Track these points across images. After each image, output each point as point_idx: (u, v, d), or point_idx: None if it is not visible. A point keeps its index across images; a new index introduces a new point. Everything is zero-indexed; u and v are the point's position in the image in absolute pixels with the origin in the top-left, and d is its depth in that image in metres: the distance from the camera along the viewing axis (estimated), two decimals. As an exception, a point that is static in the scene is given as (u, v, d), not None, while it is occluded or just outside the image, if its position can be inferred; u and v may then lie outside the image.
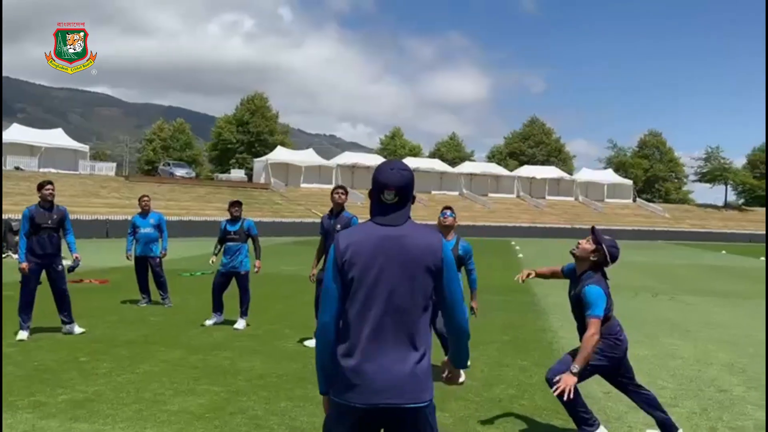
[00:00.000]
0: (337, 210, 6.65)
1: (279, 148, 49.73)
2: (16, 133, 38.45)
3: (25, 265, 6.84)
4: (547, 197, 54.09)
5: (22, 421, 4.26)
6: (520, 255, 23.74)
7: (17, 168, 34.47)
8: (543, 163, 62.39)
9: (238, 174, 47.14)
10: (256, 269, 7.98)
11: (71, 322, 7.14)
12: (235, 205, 8.02)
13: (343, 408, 2.18)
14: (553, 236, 41.72)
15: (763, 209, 52.50)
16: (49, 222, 6.95)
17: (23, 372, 5.45)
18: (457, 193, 51.54)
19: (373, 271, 2.20)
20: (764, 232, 42.27)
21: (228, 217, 8.03)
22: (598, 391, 5.05)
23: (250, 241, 7.99)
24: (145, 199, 9.56)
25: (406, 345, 2.19)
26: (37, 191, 7.05)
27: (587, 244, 4.02)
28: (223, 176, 47.66)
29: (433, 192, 50.41)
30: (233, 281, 7.89)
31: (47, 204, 6.99)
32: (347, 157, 50.96)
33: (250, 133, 56.66)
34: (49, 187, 6.98)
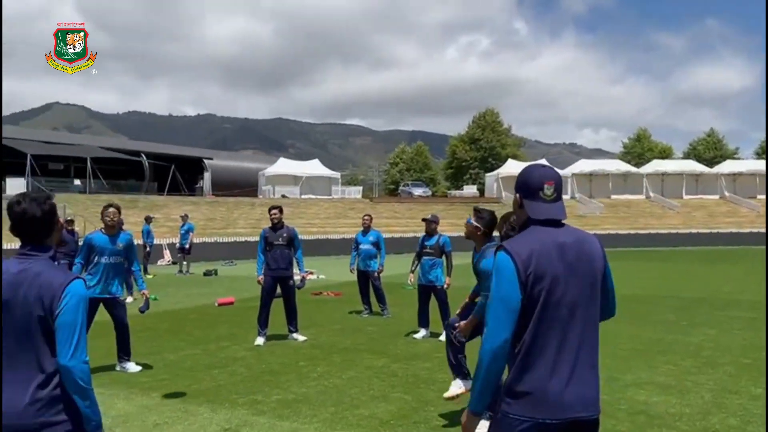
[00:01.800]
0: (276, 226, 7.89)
1: (510, 161, 49.37)
2: (281, 165, 44.51)
3: (261, 278, 7.87)
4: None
5: (237, 416, 4.88)
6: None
7: (283, 196, 39.76)
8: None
9: (470, 190, 47.96)
10: (446, 285, 8.09)
11: (296, 331, 7.98)
12: (430, 222, 8.28)
13: (528, 424, 2.09)
14: None
15: None
16: (280, 240, 7.91)
17: (251, 374, 6.24)
18: (717, 196, 45.39)
19: (560, 283, 2.14)
20: None
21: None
22: None
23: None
24: (366, 218, 10.29)
25: (594, 356, 2.20)
26: (268, 214, 8.10)
27: None
28: (456, 193, 48.91)
29: (686, 197, 45.20)
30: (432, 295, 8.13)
31: (277, 225, 7.97)
32: (584, 165, 48.36)
33: (483, 148, 57.39)
34: (274, 211, 7.96)
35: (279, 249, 7.89)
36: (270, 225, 8.00)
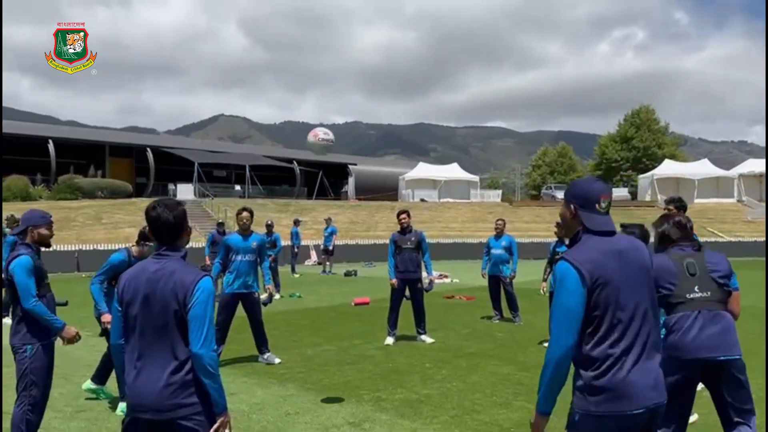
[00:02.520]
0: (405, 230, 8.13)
1: (667, 161, 45.83)
2: (421, 170, 45.19)
3: (394, 281, 8.13)
4: None
5: (361, 411, 5.13)
6: None
7: (422, 200, 40.35)
8: None
9: (620, 192, 45.20)
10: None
11: (424, 333, 8.14)
12: (562, 227, 7.98)
13: (614, 416, 2.26)
14: None
15: None
16: (408, 243, 8.14)
17: (378, 371, 6.49)
18: None
19: (623, 287, 2.32)
20: None
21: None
22: None
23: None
24: (499, 222, 10.19)
25: (657, 348, 2.41)
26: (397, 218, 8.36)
27: None
28: (605, 196, 46.34)
29: None
30: None
31: (405, 229, 8.19)
32: (753, 165, 43.56)
33: (636, 148, 53.82)
34: (403, 216, 8.20)
35: (408, 252, 8.11)
36: (399, 229, 8.24)
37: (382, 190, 44.41)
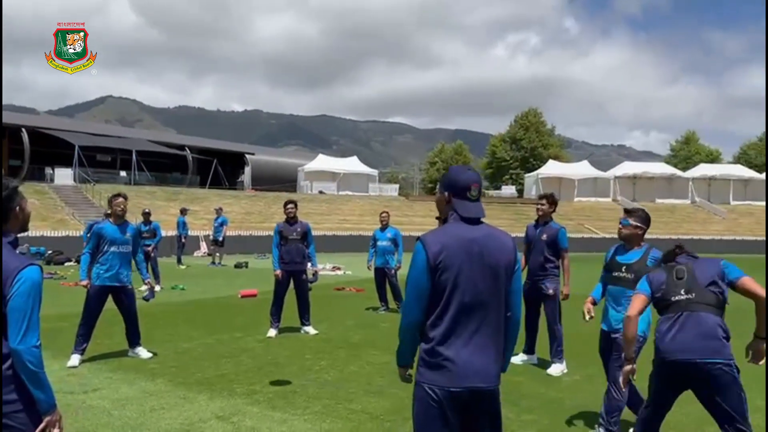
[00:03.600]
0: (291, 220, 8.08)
1: (551, 161, 48.65)
2: (320, 162, 44.98)
3: (278, 272, 8.00)
4: None
5: (232, 405, 5.00)
6: None
7: (320, 192, 40.18)
8: None
9: (508, 190, 47.45)
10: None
11: (308, 324, 8.10)
12: None
13: (436, 391, 2.45)
14: None
15: None
16: (294, 234, 8.04)
17: (255, 364, 6.37)
18: (764, 202, 43.68)
19: (465, 272, 2.48)
20: None
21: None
22: None
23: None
24: (383, 215, 10.34)
25: (496, 336, 2.58)
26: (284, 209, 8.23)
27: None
28: (494, 193, 48.47)
29: (733, 203, 43.74)
30: None
31: (292, 220, 8.10)
32: (628, 167, 47.25)
33: (524, 149, 56.66)
34: (290, 206, 8.10)
35: (293, 243, 8.03)
36: (284, 220, 8.13)
37: (281, 181, 43.78)
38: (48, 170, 34.06)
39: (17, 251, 2.39)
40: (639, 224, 4.34)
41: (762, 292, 3.20)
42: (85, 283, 6.41)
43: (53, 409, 2.32)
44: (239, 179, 45.20)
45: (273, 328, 7.92)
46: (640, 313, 3.48)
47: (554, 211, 6.51)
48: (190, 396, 5.19)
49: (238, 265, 18.09)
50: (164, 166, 42.70)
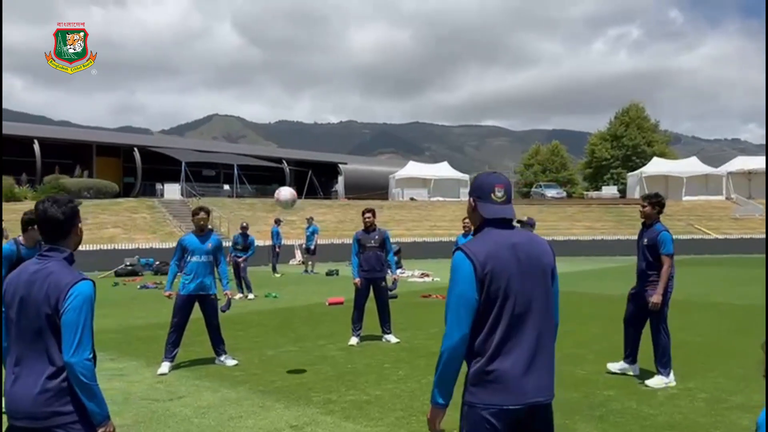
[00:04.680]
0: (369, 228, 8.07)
1: (655, 159, 45.84)
2: (411, 168, 45.10)
3: (357, 280, 8.03)
4: None
5: (307, 414, 5.03)
6: None
7: (411, 198, 40.25)
8: None
9: (609, 190, 45.22)
10: None
11: (389, 332, 8.06)
12: (525, 224, 7.93)
13: (493, 410, 2.32)
14: None
15: None
16: (372, 242, 8.05)
17: (335, 372, 6.40)
18: None
19: (515, 280, 2.37)
20: None
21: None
22: None
23: None
24: (466, 220, 10.10)
25: (551, 346, 2.45)
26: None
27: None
28: (594, 194, 46.37)
29: None
30: None
31: (370, 228, 8.11)
32: (742, 162, 43.64)
33: (625, 146, 53.86)
34: (368, 215, 8.13)
35: (372, 251, 8.03)
36: (363, 228, 8.16)
37: (373, 189, 44.32)
38: (158, 186, 36.45)
39: (73, 266, 2.50)
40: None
41: None
42: (168, 293, 6.76)
43: (107, 420, 2.39)
44: (333, 189, 46.23)
45: (355, 336, 7.95)
46: None
47: (660, 212, 6.07)
48: (267, 404, 5.28)
49: (329, 273, 18.44)
50: (264, 178, 44.48)
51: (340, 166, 47.02)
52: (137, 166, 37.96)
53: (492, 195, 2.43)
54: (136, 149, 38.37)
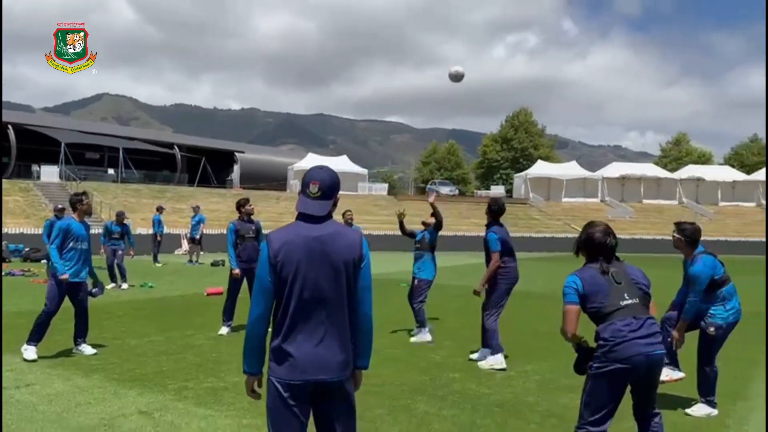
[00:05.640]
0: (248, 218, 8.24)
1: (540, 161, 48.77)
2: (309, 161, 45.00)
3: (237, 270, 8.07)
4: None
5: (159, 400, 5.06)
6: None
7: (308, 191, 40.25)
8: None
9: (497, 190, 47.59)
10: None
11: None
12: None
13: (282, 384, 2.55)
14: None
15: None
16: (250, 233, 8.14)
17: (197, 362, 6.44)
18: (753, 204, 43.92)
19: (304, 269, 2.56)
20: None
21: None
22: None
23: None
24: (348, 213, 10.38)
25: (340, 330, 2.63)
26: (239, 208, 8.30)
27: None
28: (483, 193, 48.59)
29: (721, 204, 43.88)
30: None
31: (248, 217, 8.20)
32: (616, 168, 47.39)
33: (515, 149, 56.77)
34: (251, 205, 8.25)
35: (250, 241, 8.11)
36: (239, 218, 8.22)
37: (270, 180, 43.80)
38: (35, 167, 34.04)
39: None
40: (679, 236, 5.15)
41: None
42: (65, 276, 6.39)
43: None
44: (228, 178, 45.22)
45: (225, 326, 7.99)
46: None
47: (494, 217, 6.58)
48: (121, 392, 5.26)
49: (214, 263, 18.14)
50: (153, 164, 42.69)
51: (236, 154, 46.04)
52: (11, 145, 35.21)
53: (307, 189, 2.60)
54: (10, 127, 35.55)
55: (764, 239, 35.14)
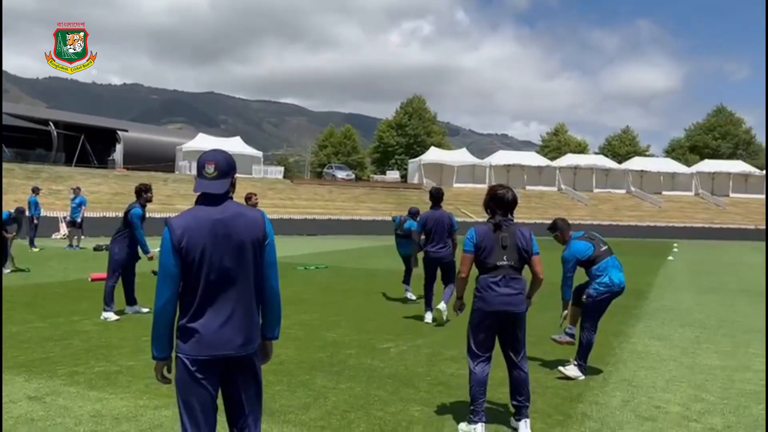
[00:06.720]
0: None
1: (432, 148, 50.21)
2: (200, 141, 43.40)
3: (155, 252, 7.83)
4: (732, 195, 48.09)
5: (49, 385, 4.92)
6: (671, 258, 21.42)
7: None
8: (729, 157, 55.67)
9: (392, 175, 48.55)
10: None
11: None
12: None
13: (190, 360, 2.65)
14: (732, 238, 37.00)
15: None
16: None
17: (85, 347, 6.25)
18: (623, 191, 47.95)
19: (209, 252, 2.65)
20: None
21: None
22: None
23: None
24: (254, 197, 10.19)
25: (247, 307, 2.76)
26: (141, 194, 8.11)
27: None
28: (379, 178, 49.36)
29: (596, 191, 47.49)
30: None
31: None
32: (502, 157, 49.87)
33: (408, 135, 58.00)
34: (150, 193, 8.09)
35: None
36: (144, 203, 8.10)
37: (157, 161, 41.81)
38: None
39: None
40: (555, 233, 5.86)
41: (540, 271, 4.30)
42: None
43: None
44: (110, 157, 42.64)
45: (109, 311, 7.76)
46: None
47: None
48: (6, 379, 5.03)
49: (97, 248, 17.19)
50: (26, 141, 39.33)
51: (119, 132, 43.45)
52: None
53: (203, 171, 2.66)
54: None
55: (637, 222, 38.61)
